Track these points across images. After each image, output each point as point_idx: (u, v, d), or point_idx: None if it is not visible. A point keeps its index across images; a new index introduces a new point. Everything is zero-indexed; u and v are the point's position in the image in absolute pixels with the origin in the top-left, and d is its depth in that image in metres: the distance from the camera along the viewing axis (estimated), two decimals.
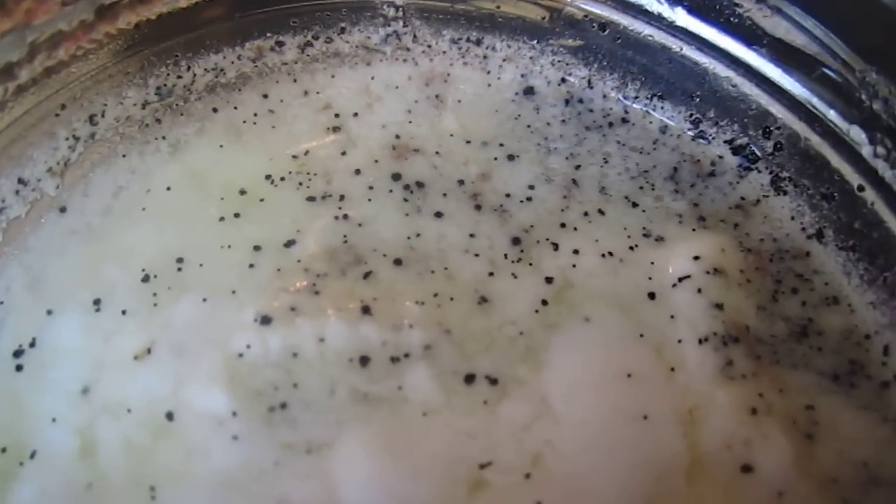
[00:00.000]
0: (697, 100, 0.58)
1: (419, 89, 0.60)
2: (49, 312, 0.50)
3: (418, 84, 0.60)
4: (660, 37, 0.58)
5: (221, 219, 0.53)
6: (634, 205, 0.55)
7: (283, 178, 0.55)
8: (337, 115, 0.59)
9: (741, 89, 0.56)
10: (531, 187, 0.55)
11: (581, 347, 0.49)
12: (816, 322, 0.51)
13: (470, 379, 0.47)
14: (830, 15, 0.49)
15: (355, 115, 0.59)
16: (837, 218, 0.53)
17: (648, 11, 0.57)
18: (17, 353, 0.49)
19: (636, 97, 0.60)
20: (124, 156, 0.57)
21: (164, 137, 0.57)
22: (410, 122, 0.59)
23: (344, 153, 0.57)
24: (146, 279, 0.51)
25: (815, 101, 0.53)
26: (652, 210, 0.55)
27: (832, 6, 0.49)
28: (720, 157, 0.58)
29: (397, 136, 0.58)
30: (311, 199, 0.54)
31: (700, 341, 0.49)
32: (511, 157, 0.57)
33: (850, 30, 0.49)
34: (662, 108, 0.59)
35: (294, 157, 0.57)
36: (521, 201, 0.55)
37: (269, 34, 0.60)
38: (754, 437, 0.46)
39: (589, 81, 0.60)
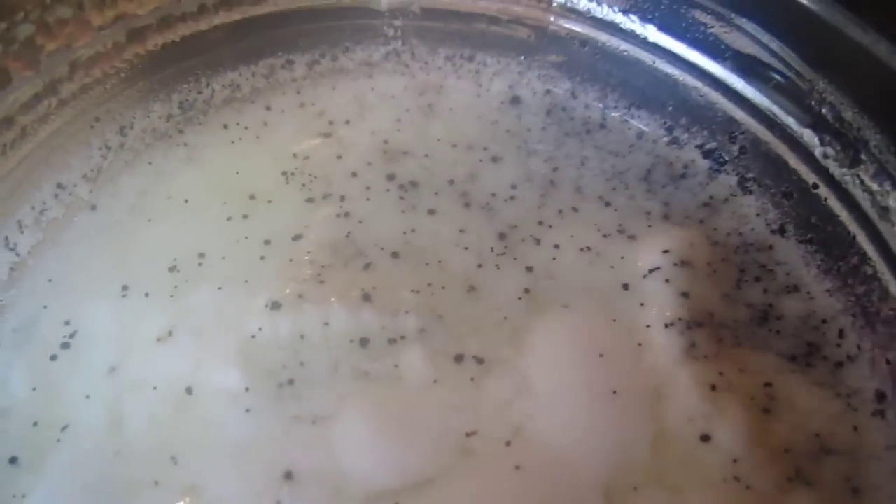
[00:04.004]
0: (670, 108, 0.63)
1: (413, 99, 0.65)
2: (82, 301, 0.55)
3: (412, 94, 0.66)
4: (634, 51, 0.63)
5: (230, 218, 0.58)
6: (608, 204, 0.60)
7: (287, 182, 0.60)
8: (330, 123, 0.64)
9: (708, 98, 0.61)
10: (514, 187, 0.60)
11: (559, 331, 0.53)
12: (777, 308, 0.55)
13: (459, 358, 0.52)
14: (784, 30, 0.54)
15: (347, 122, 0.64)
16: (797, 214, 0.58)
17: (623, 29, 0.62)
18: (54, 338, 0.53)
19: (615, 106, 0.65)
20: (150, 163, 0.62)
21: (185, 144, 0.63)
22: (399, 130, 0.63)
23: (339, 157, 0.62)
24: (171, 270, 0.56)
25: (773, 108, 0.57)
26: (624, 208, 0.60)
27: (785, 23, 0.54)
28: (692, 160, 0.62)
29: (385, 142, 0.63)
30: (310, 200, 0.59)
31: (666, 325, 0.53)
32: (495, 160, 0.62)
33: (801, 43, 0.54)
34: (639, 116, 0.64)
35: (294, 160, 0.62)
36: (506, 200, 0.59)
37: (280, 53, 0.66)
38: (713, 410, 0.50)
39: (572, 93, 0.66)
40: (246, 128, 0.64)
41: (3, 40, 0.50)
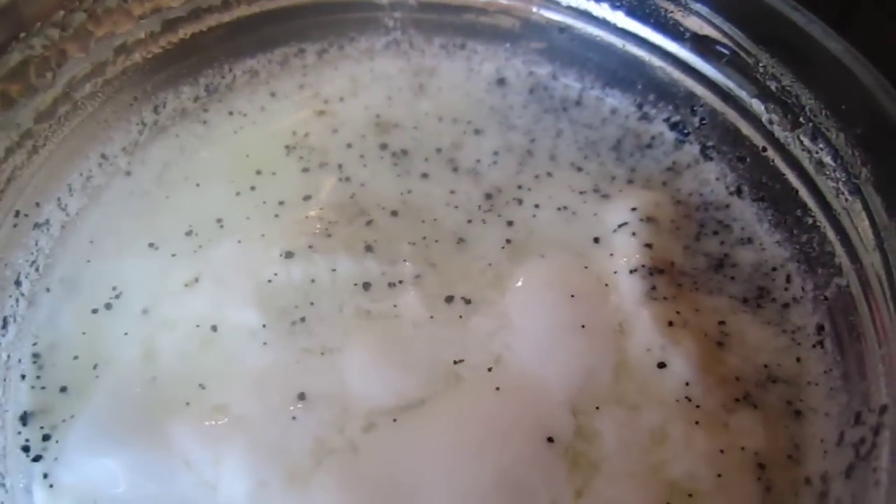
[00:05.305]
0: (640, 86, 0.69)
1: (407, 79, 0.72)
2: (118, 255, 0.61)
3: (406, 75, 0.72)
4: (606, 36, 0.69)
5: (249, 188, 0.64)
6: (580, 169, 0.66)
7: (287, 155, 0.67)
8: (325, 101, 0.71)
9: (671, 76, 0.67)
10: (496, 153, 0.67)
11: (536, 276, 0.59)
12: (732, 257, 0.61)
13: (449, 299, 0.58)
14: (732, 13, 0.61)
15: (341, 99, 0.71)
16: (750, 176, 0.64)
17: (595, 17, 0.69)
18: (96, 286, 0.59)
19: (592, 87, 0.72)
20: (177, 136, 0.69)
21: (204, 122, 0.70)
22: (390, 107, 0.70)
23: (335, 131, 0.68)
24: (191, 233, 0.61)
25: (728, 82, 0.63)
26: (596, 174, 0.66)
27: (734, 6, 0.61)
28: (660, 132, 0.69)
29: (377, 116, 0.69)
30: (305, 170, 0.65)
31: (631, 271, 0.59)
32: (477, 132, 0.69)
33: (747, 24, 0.60)
34: (613, 94, 0.71)
35: (294, 136, 0.68)
36: (489, 165, 0.66)
37: (293, 42, 0.73)
38: (669, 343, 0.55)
39: (553, 75, 0.73)
40: (259, 109, 0.71)
41: (62, 25, 0.58)
